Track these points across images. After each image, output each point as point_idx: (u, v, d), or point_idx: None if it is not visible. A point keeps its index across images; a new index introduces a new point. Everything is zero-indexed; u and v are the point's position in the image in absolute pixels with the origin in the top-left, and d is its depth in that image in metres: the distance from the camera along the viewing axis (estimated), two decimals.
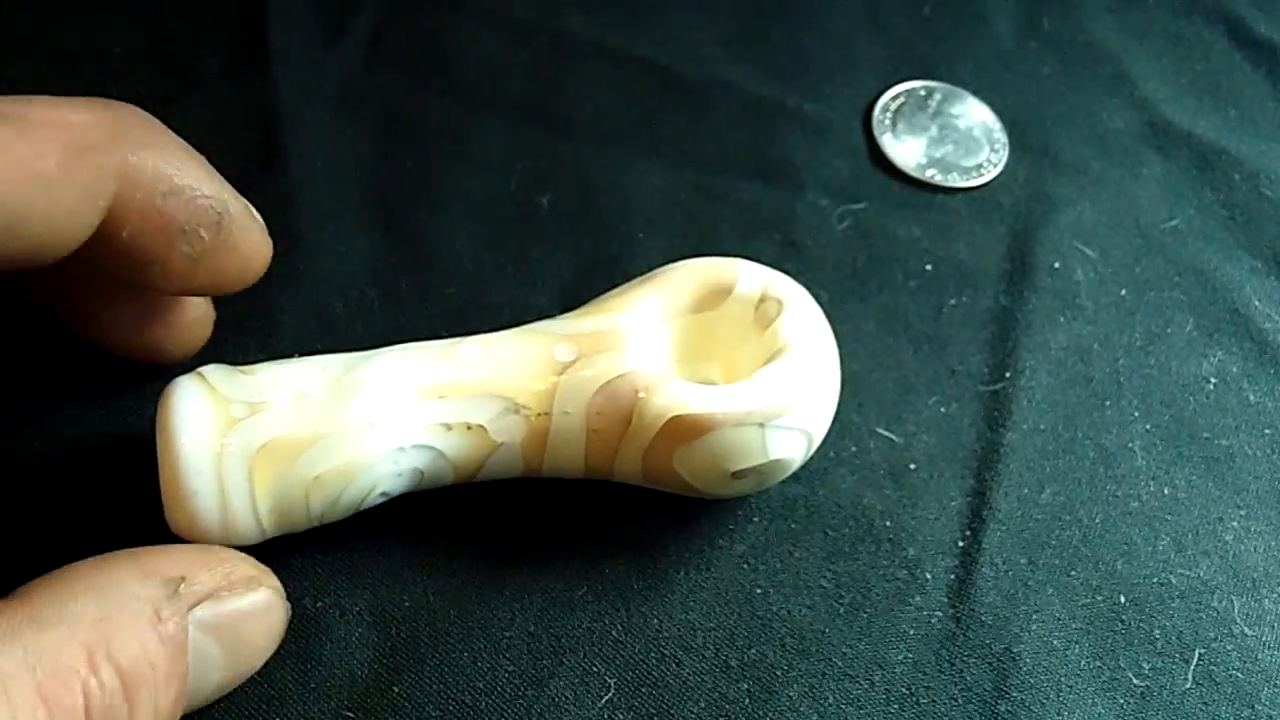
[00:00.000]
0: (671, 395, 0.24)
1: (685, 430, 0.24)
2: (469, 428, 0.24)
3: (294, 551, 0.26)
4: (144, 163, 0.22)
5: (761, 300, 0.26)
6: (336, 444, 0.23)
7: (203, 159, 0.23)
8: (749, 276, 0.27)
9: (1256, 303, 0.34)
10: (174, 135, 0.23)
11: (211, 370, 0.24)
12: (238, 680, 0.22)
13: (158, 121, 0.23)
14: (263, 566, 0.22)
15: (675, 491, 0.26)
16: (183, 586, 0.20)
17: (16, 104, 0.20)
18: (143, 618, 0.19)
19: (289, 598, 0.23)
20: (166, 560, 0.20)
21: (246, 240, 0.24)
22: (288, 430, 0.23)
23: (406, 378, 0.24)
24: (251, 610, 0.21)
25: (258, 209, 0.32)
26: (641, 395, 0.24)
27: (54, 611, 0.18)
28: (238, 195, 0.24)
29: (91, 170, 0.21)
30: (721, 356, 0.27)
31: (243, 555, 0.22)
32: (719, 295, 0.27)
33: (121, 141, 0.21)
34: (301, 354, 0.25)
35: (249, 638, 0.21)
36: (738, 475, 0.25)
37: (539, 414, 0.25)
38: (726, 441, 0.24)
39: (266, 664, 0.25)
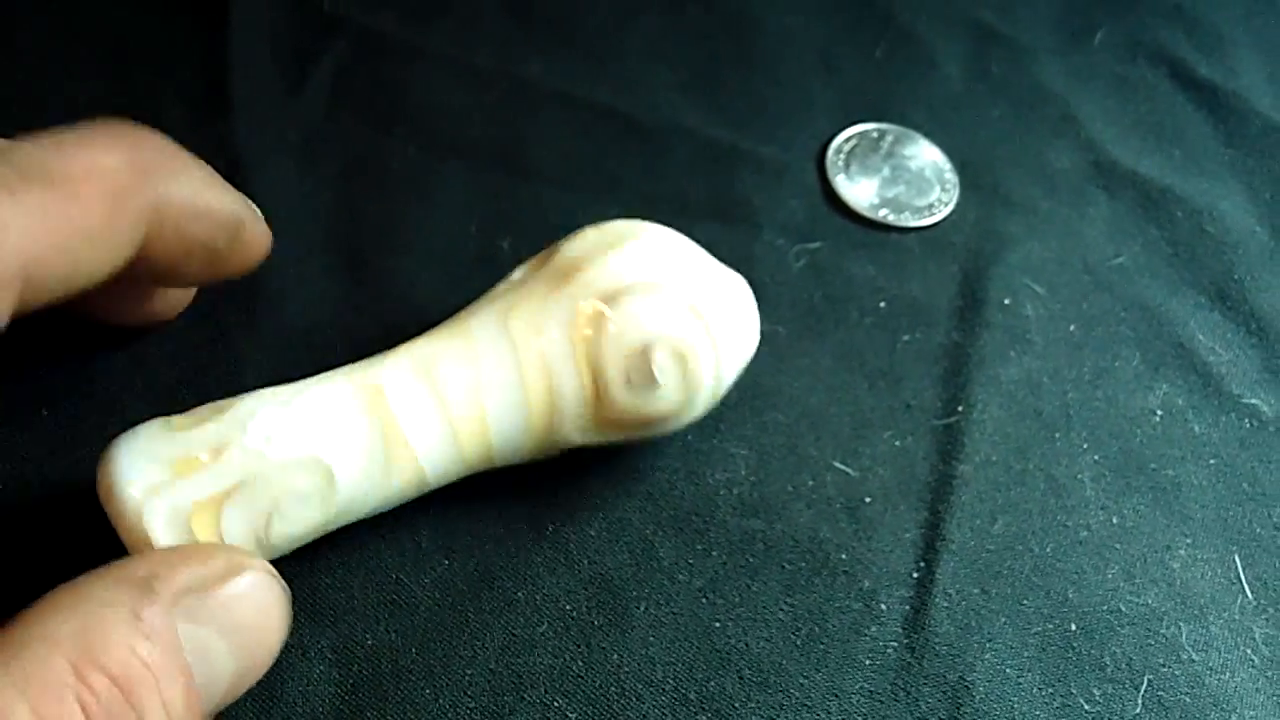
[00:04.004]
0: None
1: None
2: None
3: None
4: (172, 195, 0.23)
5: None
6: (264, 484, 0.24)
7: (213, 170, 0.25)
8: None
9: (1200, 337, 0.35)
10: (188, 154, 0.24)
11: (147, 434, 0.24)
12: (256, 668, 0.22)
13: (172, 143, 0.24)
14: (246, 550, 0.22)
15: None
16: (157, 584, 0.20)
17: (56, 154, 0.21)
18: (122, 622, 0.19)
19: None
20: (138, 564, 0.20)
21: (255, 238, 0.26)
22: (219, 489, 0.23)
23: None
24: (241, 594, 0.21)
25: None
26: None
27: (34, 634, 0.18)
28: (243, 198, 0.25)
29: (130, 214, 0.22)
30: None
31: (222, 545, 0.22)
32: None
33: (151, 178, 0.22)
34: None
35: (248, 622, 0.21)
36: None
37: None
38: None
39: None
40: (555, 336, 0.26)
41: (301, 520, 0.24)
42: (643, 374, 0.26)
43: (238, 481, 0.23)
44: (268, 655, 0.22)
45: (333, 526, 0.25)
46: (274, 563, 0.25)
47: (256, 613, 0.21)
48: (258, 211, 0.26)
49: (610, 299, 0.26)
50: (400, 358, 0.26)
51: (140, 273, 0.24)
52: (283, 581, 0.22)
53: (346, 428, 0.25)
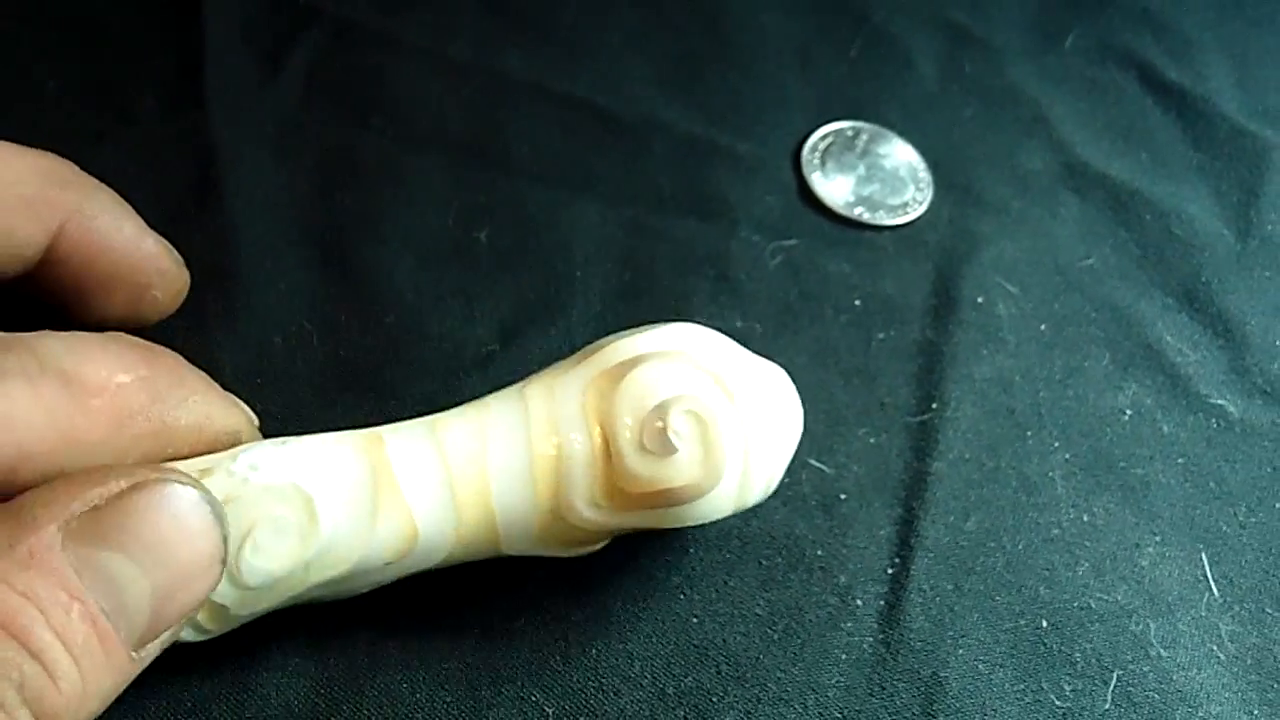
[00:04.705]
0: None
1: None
2: None
3: None
4: (179, 421, 0.22)
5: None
6: None
7: (218, 386, 0.24)
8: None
9: (1168, 337, 0.35)
10: (196, 372, 0.23)
11: None
12: (183, 588, 0.20)
13: (182, 360, 0.23)
14: (161, 466, 0.21)
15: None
16: (38, 509, 0.18)
17: (76, 357, 0.21)
18: None
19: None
20: (22, 497, 0.19)
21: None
22: None
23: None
24: (145, 509, 0.19)
25: (195, 244, 0.32)
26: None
27: None
28: (246, 409, 0.25)
29: (131, 438, 0.21)
30: None
31: (127, 465, 0.21)
32: None
33: (160, 403, 0.22)
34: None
35: (160, 538, 0.19)
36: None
37: None
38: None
39: (201, 695, 0.25)
40: (568, 398, 0.24)
41: (277, 553, 0.22)
42: (657, 438, 0.23)
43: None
44: (194, 572, 0.20)
45: (319, 585, 0.24)
46: None
47: (169, 527, 0.20)
48: (254, 419, 0.25)
49: (628, 365, 0.24)
50: (410, 421, 0.25)
51: None
52: (207, 491, 0.21)
53: (335, 463, 0.23)
